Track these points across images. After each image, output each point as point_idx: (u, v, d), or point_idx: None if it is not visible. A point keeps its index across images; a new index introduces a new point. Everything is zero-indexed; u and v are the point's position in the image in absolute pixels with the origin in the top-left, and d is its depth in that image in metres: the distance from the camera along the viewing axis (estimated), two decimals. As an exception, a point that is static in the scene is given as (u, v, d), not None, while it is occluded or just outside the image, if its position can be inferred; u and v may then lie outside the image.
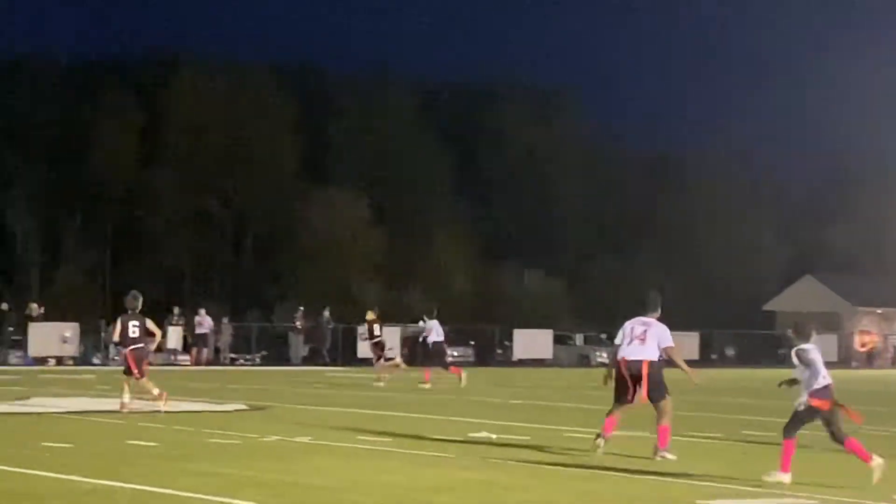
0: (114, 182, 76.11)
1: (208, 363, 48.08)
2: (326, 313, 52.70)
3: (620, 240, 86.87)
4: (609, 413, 15.92)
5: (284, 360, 51.40)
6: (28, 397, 25.54)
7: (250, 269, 78.75)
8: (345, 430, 18.72)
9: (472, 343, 58.13)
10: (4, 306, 47.37)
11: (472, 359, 54.94)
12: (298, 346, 52.61)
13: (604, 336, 57.39)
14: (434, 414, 22.86)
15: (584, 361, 57.28)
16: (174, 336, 48.88)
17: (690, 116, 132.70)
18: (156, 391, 21.71)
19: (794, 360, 13.33)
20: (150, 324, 22.42)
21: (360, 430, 18.72)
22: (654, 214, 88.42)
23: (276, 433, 18.11)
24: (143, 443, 16.25)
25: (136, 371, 21.73)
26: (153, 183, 76.54)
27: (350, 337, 50.83)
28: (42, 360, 45.65)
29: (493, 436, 18.17)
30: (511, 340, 57.79)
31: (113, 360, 43.85)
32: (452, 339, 44.79)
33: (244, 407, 24.18)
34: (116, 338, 23.17)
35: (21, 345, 46.49)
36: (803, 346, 13.21)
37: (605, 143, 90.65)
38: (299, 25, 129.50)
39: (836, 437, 13.28)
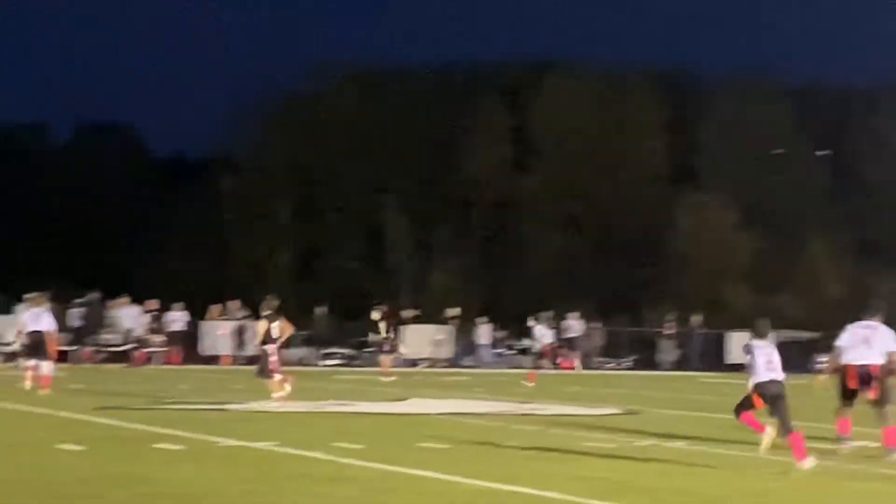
0: (484, 186, 77.43)
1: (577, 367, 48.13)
2: (697, 319, 52.07)
3: None
4: (839, 416, 16.59)
5: (653, 365, 51.04)
6: (404, 398, 26.14)
7: (618, 273, 78.59)
8: (716, 438, 18.25)
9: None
10: (376, 315, 48.71)
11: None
12: (668, 351, 52.18)
13: None
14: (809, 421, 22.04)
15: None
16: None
17: None
18: (288, 388, 23.82)
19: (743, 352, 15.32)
20: (283, 324, 24.63)
21: (733, 439, 18.15)
22: None
23: (649, 437, 17.88)
24: (518, 445, 16.29)
25: (269, 370, 23.78)
26: (522, 187, 77.49)
27: (719, 342, 50.12)
28: (414, 362, 46.82)
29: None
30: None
31: (485, 363, 44.48)
32: (823, 346, 43.35)
33: (616, 411, 24.03)
34: (260, 338, 24.85)
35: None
36: (751, 342, 14.86)
37: None
38: (670, 25, 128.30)
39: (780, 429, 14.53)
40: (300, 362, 49.12)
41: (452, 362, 47.16)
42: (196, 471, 13.08)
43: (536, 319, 39.67)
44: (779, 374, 14.60)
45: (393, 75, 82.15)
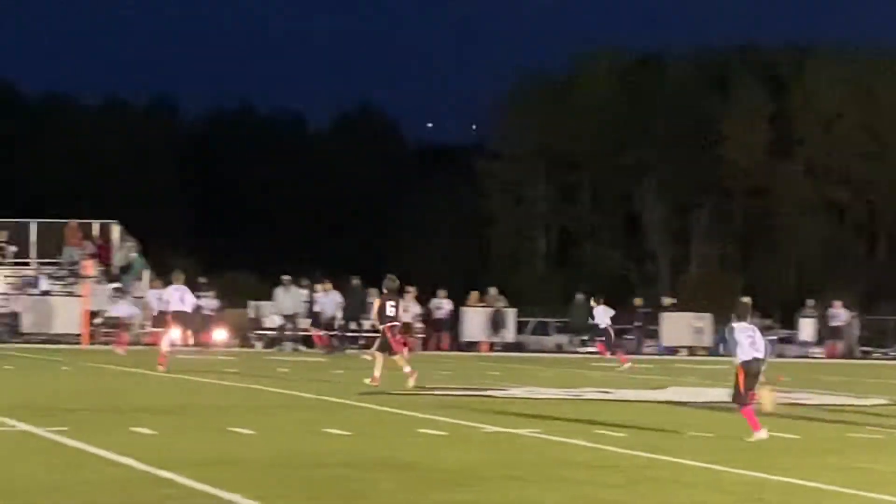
0: (744, 172, 76.15)
1: (842, 356, 46.91)
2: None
3: None
4: None
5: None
6: (665, 387, 25.88)
7: (884, 260, 76.28)
8: None
9: None
10: (638, 301, 48.33)
11: None
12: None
13: None
14: None
15: None
16: (807, 328, 48.24)
17: None
18: (407, 369, 23.18)
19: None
20: (406, 303, 25.79)
21: None
22: None
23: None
24: (785, 436, 15.92)
25: (395, 346, 23.54)
26: (782, 173, 75.92)
27: None
28: (674, 350, 46.38)
29: None
30: None
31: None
32: None
33: (885, 401, 23.28)
34: (375, 316, 24.50)
35: (654, 334, 47.47)
36: (732, 325, 15.61)
37: None
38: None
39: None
40: (559, 349, 49.23)
41: (712, 351, 46.49)
42: (459, 456, 13.17)
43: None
44: (761, 353, 15.52)
45: (648, 61, 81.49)
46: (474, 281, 54.77)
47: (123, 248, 46.24)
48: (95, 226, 47.30)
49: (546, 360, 40.95)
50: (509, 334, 46.23)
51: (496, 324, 45.60)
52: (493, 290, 47.25)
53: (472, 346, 45.18)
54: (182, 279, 28.28)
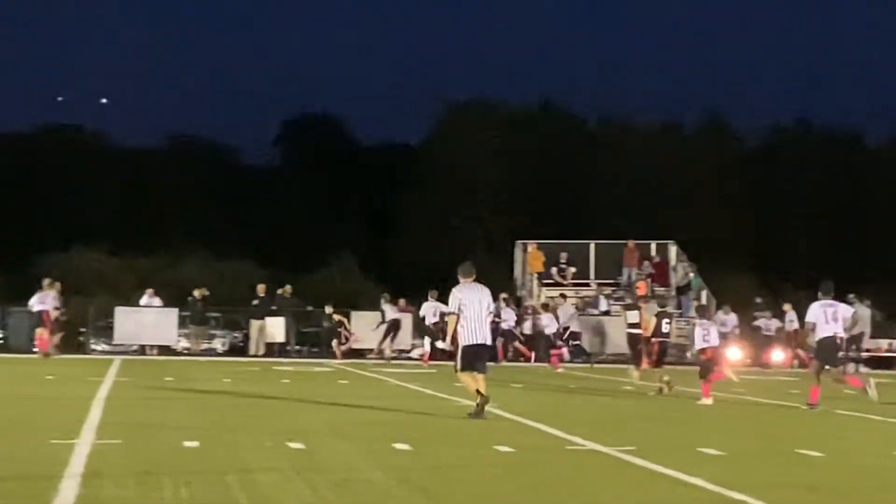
0: None
1: None
2: None
3: None
4: None
5: None
6: None
7: None
8: None
9: None
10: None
11: None
12: None
13: None
14: None
15: None
16: None
17: None
18: (665, 378, 24.72)
19: None
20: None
21: None
22: None
23: None
24: None
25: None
26: None
27: None
28: None
29: None
30: None
31: None
32: None
33: None
34: (650, 332, 25.51)
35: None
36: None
37: None
38: None
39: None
40: None
41: None
42: None
43: None
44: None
45: None
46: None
47: (680, 268, 46.44)
48: (652, 246, 47.86)
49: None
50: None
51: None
52: None
53: None
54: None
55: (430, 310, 38.06)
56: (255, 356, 40.20)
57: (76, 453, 13.02)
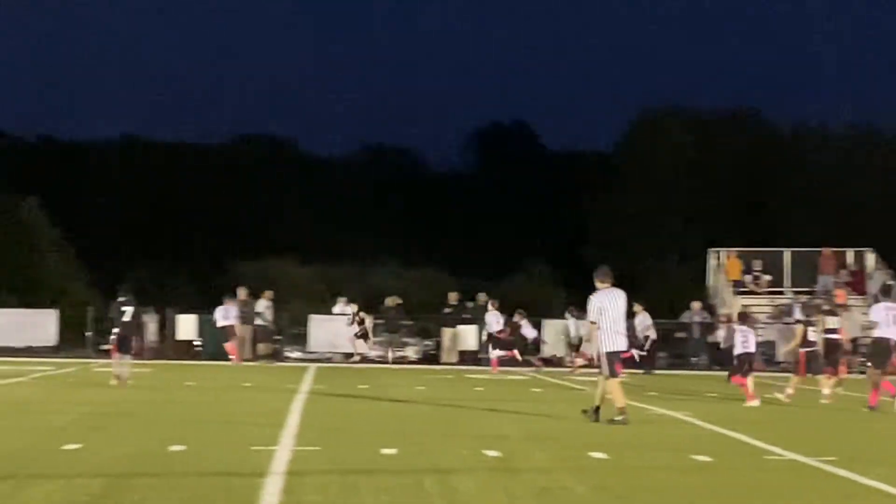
0: None
1: None
2: None
3: None
4: None
5: None
6: None
7: None
8: None
9: None
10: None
11: None
12: None
13: None
14: None
15: None
16: None
17: None
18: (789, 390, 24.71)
19: None
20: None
21: None
22: None
23: None
24: None
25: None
26: None
27: None
28: None
29: None
30: None
31: None
32: None
33: None
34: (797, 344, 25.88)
35: None
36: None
37: None
38: None
39: None
40: None
41: None
42: None
43: None
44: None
45: None
46: None
47: (878, 276, 45.34)
48: (850, 253, 46.84)
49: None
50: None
51: None
52: None
53: None
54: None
55: (493, 319, 38.14)
56: (448, 364, 40.41)
57: (277, 459, 13.26)
